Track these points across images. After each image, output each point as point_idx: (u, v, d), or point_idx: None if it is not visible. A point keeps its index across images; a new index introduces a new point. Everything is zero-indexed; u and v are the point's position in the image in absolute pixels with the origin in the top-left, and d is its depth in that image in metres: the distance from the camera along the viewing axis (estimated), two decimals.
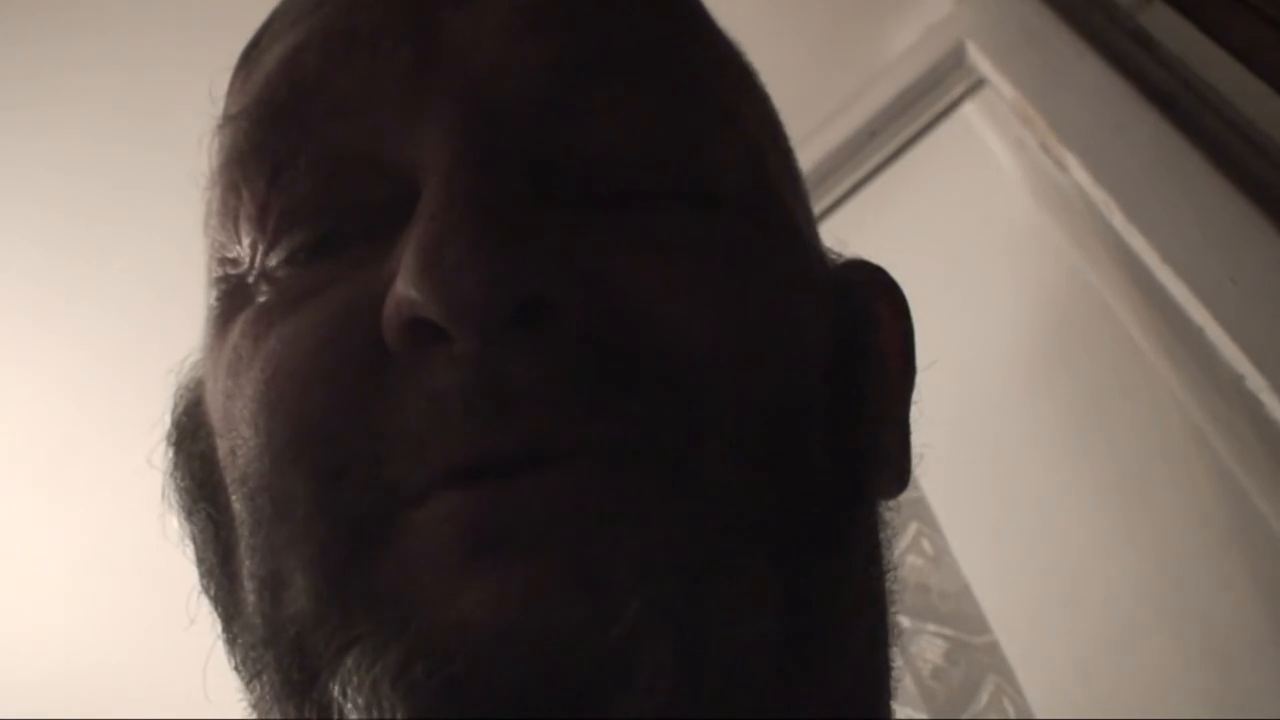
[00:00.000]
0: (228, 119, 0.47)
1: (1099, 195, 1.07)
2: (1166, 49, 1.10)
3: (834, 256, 0.53)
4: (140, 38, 1.37)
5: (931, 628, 1.23)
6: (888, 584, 0.48)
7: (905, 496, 0.51)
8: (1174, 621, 1.14)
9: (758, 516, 0.38)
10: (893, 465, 0.50)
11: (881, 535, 0.49)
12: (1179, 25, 1.09)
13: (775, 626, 0.37)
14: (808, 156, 1.29)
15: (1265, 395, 0.88)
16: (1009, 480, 1.30)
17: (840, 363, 0.45)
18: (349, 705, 0.35)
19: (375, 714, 0.34)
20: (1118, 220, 1.05)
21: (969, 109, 1.37)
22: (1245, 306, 0.92)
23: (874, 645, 0.47)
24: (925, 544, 1.30)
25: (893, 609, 0.48)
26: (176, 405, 0.51)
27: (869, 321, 0.51)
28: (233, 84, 0.50)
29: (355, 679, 0.35)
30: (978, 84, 1.31)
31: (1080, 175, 1.09)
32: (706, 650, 0.35)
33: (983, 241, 1.43)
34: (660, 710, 0.34)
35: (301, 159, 0.44)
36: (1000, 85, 1.23)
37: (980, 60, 1.26)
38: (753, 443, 0.39)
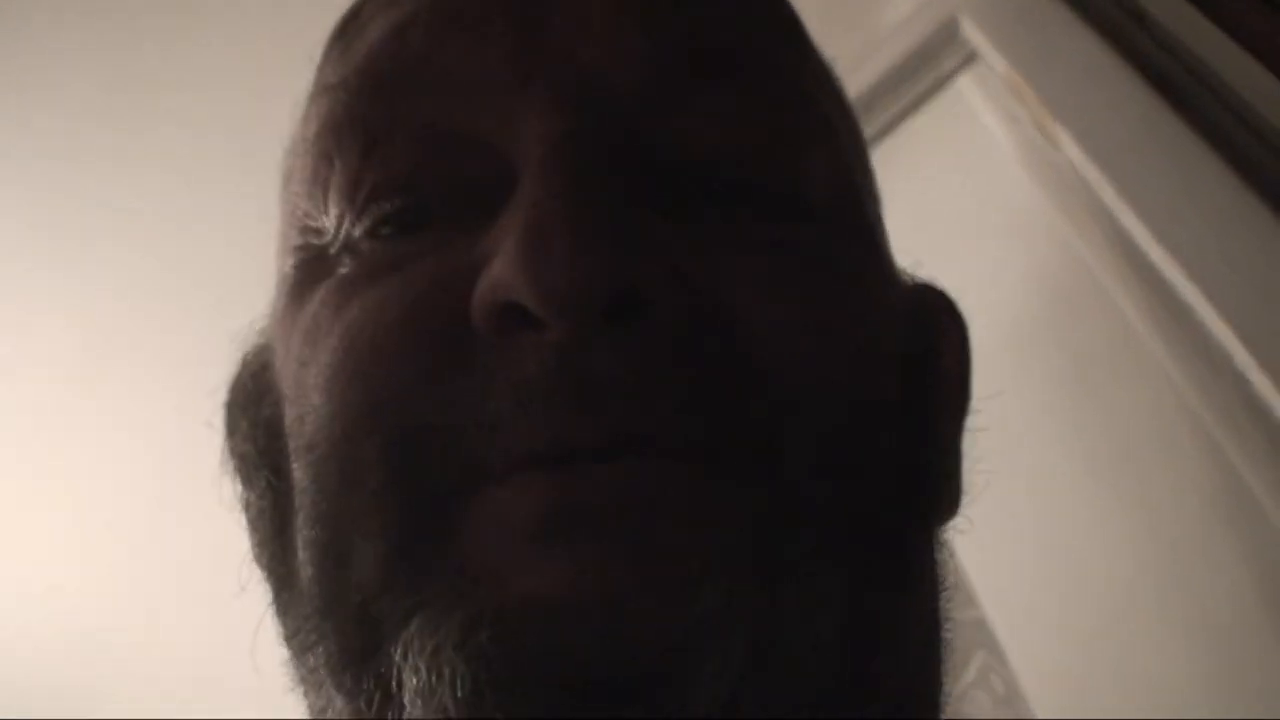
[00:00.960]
0: (325, 88, 0.48)
1: (1091, 172, 1.07)
2: (1163, 27, 1.09)
3: (907, 279, 0.54)
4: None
5: None
6: (943, 603, 0.48)
7: None
8: (1163, 597, 1.14)
9: (831, 523, 0.38)
10: (948, 489, 0.51)
11: (938, 555, 0.49)
12: (1176, 4, 1.09)
13: (839, 630, 0.37)
14: None
15: (1253, 374, 0.88)
16: (997, 456, 1.29)
17: (909, 380, 0.46)
18: (409, 671, 0.35)
19: (435, 679, 0.34)
20: (1109, 197, 1.04)
21: (963, 83, 1.36)
22: (1236, 285, 0.92)
23: (928, 660, 0.47)
24: None
25: (947, 628, 0.48)
26: (242, 370, 0.51)
27: (936, 342, 0.52)
28: (329, 53, 0.50)
29: (417, 643, 0.35)
30: (971, 58, 1.30)
31: (1073, 151, 1.09)
32: (776, 645, 0.35)
33: (975, 216, 1.42)
34: (726, 700, 0.34)
35: (398, 134, 0.44)
36: (993, 60, 1.22)
37: (973, 34, 1.26)
38: (833, 450, 0.39)
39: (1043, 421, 1.31)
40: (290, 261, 0.47)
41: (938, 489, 0.49)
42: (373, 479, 0.38)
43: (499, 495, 0.36)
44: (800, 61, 0.49)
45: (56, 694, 1.86)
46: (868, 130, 1.37)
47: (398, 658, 0.36)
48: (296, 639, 0.43)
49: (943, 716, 0.48)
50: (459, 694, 0.33)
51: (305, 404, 0.42)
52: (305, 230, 0.46)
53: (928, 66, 1.32)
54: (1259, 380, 0.87)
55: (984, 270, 1.41)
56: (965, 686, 1.12)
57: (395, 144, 0.44)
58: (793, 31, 0.51)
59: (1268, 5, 1.01)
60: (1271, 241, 0.89)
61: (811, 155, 0.45)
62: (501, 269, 0.37)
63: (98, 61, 1.40)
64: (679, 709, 0.34)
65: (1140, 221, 1.00)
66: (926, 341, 0.50)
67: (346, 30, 0.50)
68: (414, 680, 0.35)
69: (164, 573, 1.76)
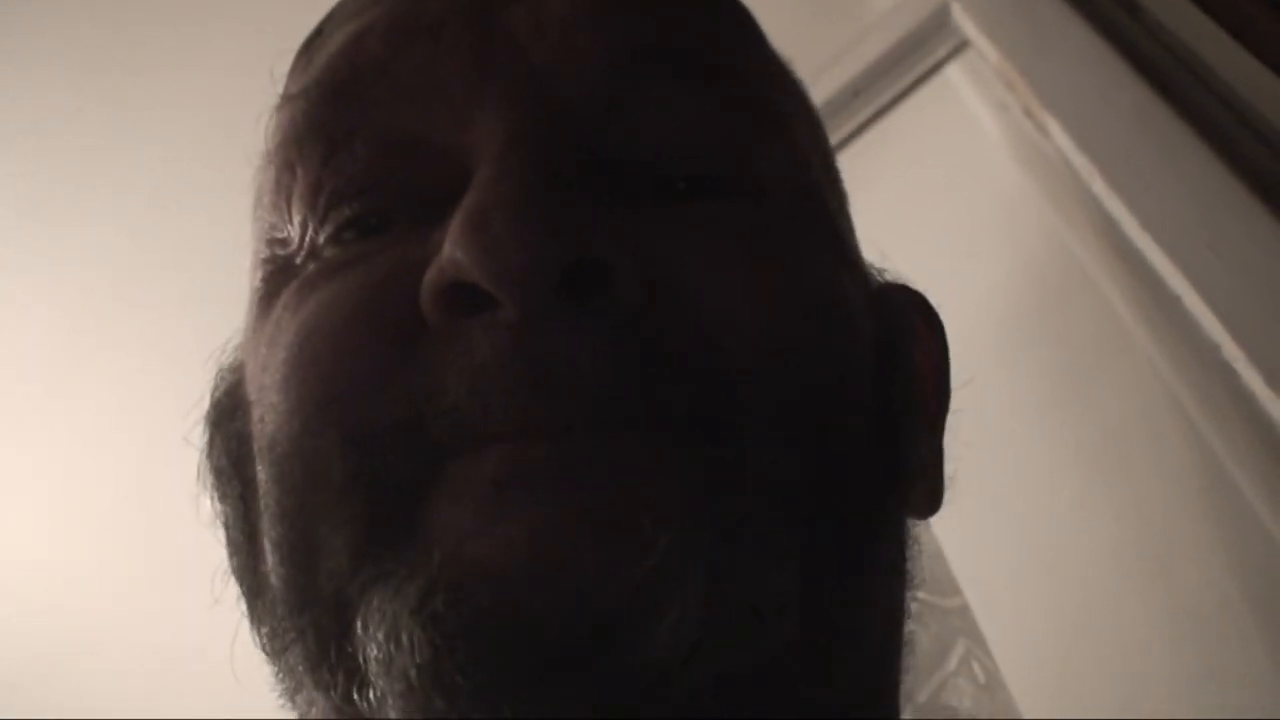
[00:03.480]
0: (287, 98, 0.48)
1: (1080, 161, 1.06)
2: (1154, 17, 1.09)
3: (876, 275, 0.54)
4: None
5: None
6: (907, 599, 0.49)
7: None
8: (1146, 588, 1.14)
9: (791, 491, 0.39)
10: (926, 482, 0.52)
11: (908, 550, 0.49)
12: None
13: (796, 589, 0.37)
14: None
15: (1241, 366, 0.87)
16: (981, 445, 1.29)
17: (878, 370, 0.46)
18: (370, 642, 0.35)
19: (394, 648, 0.34)
20: (1098, 187, 1.04)
21: (952, 71, 1.36)
22: (1223, 276, 0.91)
23: (887, 648, 0.47)
24: None
25: (909, 623, 0.49)
26: (217, 386, 0.52)
27: (907, 335, 0.53)
28: (294, 69, 0.51)
29: (377, 615, 0.35)
30: (961, 46, 1.30)
31: (1062, 140, 1.09)
32: (733, 594, 0.36)
33: (963, 204, 1.42)
34: (684, 648, 0.34)
35: (357, 140, 0.44)
36: (984, 48, 1.22)
37: (964, 21, 1.25)
38: (792, 422, 0.39)
39: (1028, 411, 1.31)
40: (259, 275, 0.48)
41: (907, 478, 0.49)
42: (335, 472, 0.39)
43: (454, 471, 0.36)
44: (753, 57, 0.50)
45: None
46: (856, 118, 1.37)
47: (360, 632, 0.36)
48: (274, 643, 0.43)
49: (900, 713, 0.48)
50: (418, 660, 0.34)
51: (265, 403, 0.43)
52: (271, 242, 0.47)
53: (918, 53, 1.32)
54: (1247, 373, 0.87)
55: (970, 257, 1.41)
56: (947, 675, 1.12)
57: (354, 150, 0.44)
58: (745, 29, 0.52)
59: None
60: (1260, 232, 0.89)
61: (765, 148, 0.46)
62: (449, 248, 0.37)
63: (85, 42, 1.39)
64: (638, 659, 0.34)
65: (1129, 212, 1.00)
66: (896, 333, 0.51)
67: (310, 45, 0.51)
68: (375, 651, 0.35)
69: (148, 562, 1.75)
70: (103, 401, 1.67)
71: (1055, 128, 1.09)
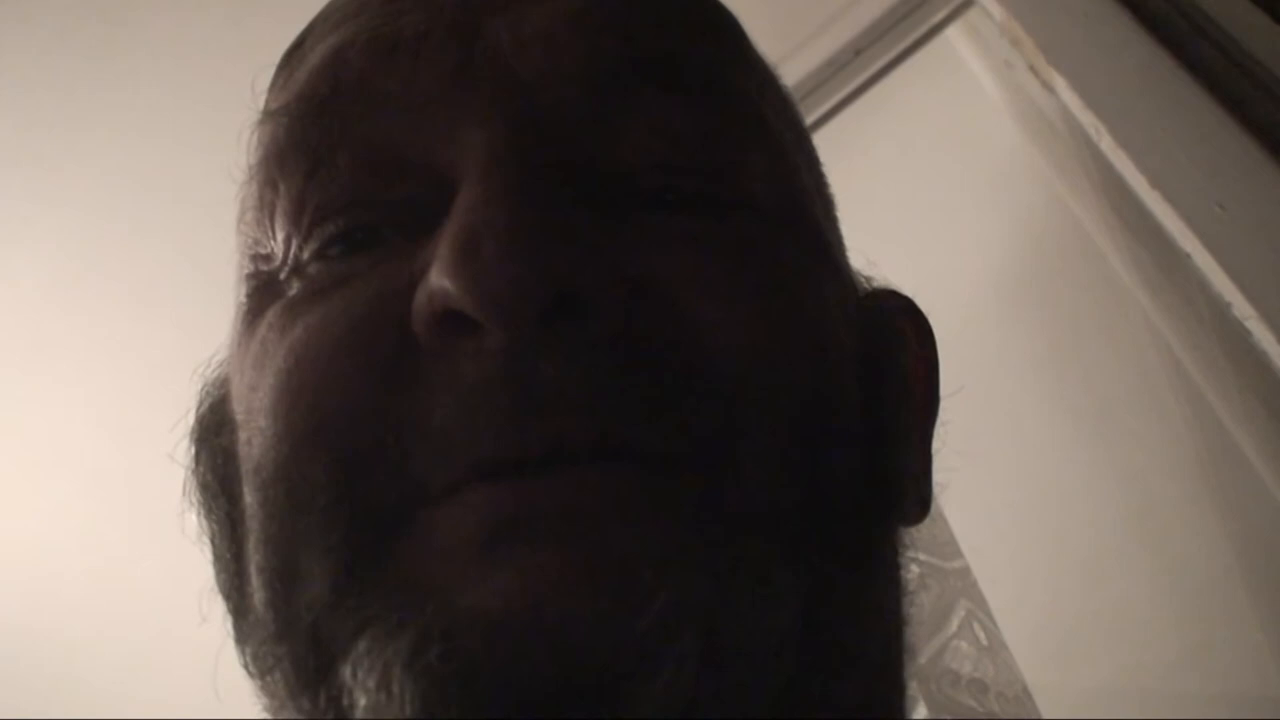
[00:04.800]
0: (268, 115, 0.48)
1: (1087, 118, 1.05)
2: None
3: (863, 282, 0.54)
4: None
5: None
6: (904, 606, 0.48)
7: None
8: (1145, 549, 1.14)
9: (785, 521, 0.38)
10: (916, 489, 0.51)
11: (900, 558, 0.49)
12: None
13: (795, 627, 0.37)
14: (790, 73, 1.27)
15: (1252, 324, 0.87)
16: (982, 407, 1.29)
17: (866, 381, 0.46)
18: (359, 689, 0.35)
19: (385, 698, 0.34)
20: (1105, 144, 1.03)
21: (953, 33, 1.35)
22: (1234, 233, 0.90)
23: (888, 661, 0.47)
24: None
25: (908, 630, 0.48)
26: (202, 402, 0.52)
27: (895, 343, 0.52)
28: (274, 83, 0.51)
29: (367, 662, 0.35)
30: (964, 5, 1.29)
31: (1068, 97, 1.08)
32: (732, 645, 0.35)
33: (964, 166, 1.41)
34: (684, 703, 0.33)
35: (340, 156, 0.44)
36: (989, 4, 1.21)
37: None
38: (785, 448, 0.39)
39: (1027, 374, 1.31)
40: (244, 290, 0.47)
41: (899, 489, 0.49)
42: (319, 499, 0.38)
43: (444, 511, 0.36)
44: (739, 68, 0.49)
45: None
46: (857, 78, 1.36)
47: (347, 677, 0.35)
48: (256, 664, 0.43)
49: (906, 714, 0.48)
50: (409, 712, 0.33)
51: (252, 427, 0.42)
52: (255, 258, 0.47)
53: (921, 10, 1.31)
54: (1258, 331, 0.86)
55: (970, 220, 1.41)
56: (948, 637, 1.12)
57: (337, 165, 0.44)
58: (733, 39, 0.51)
59: None
60: (1270, 188, 0.88)
61: (751, 160, 0.46)
62: (437, 276, 0.37)
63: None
64: (636, 715, 0.33)
65: (1137, 169, 0.99)
66: (884, 342, 0.50)
67: (290, 59, 0.50)
68: (364, 699, 0.34)
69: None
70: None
71: (1061, 84, 1.08)
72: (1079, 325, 1.30)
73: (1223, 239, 0.91)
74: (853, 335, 0.46)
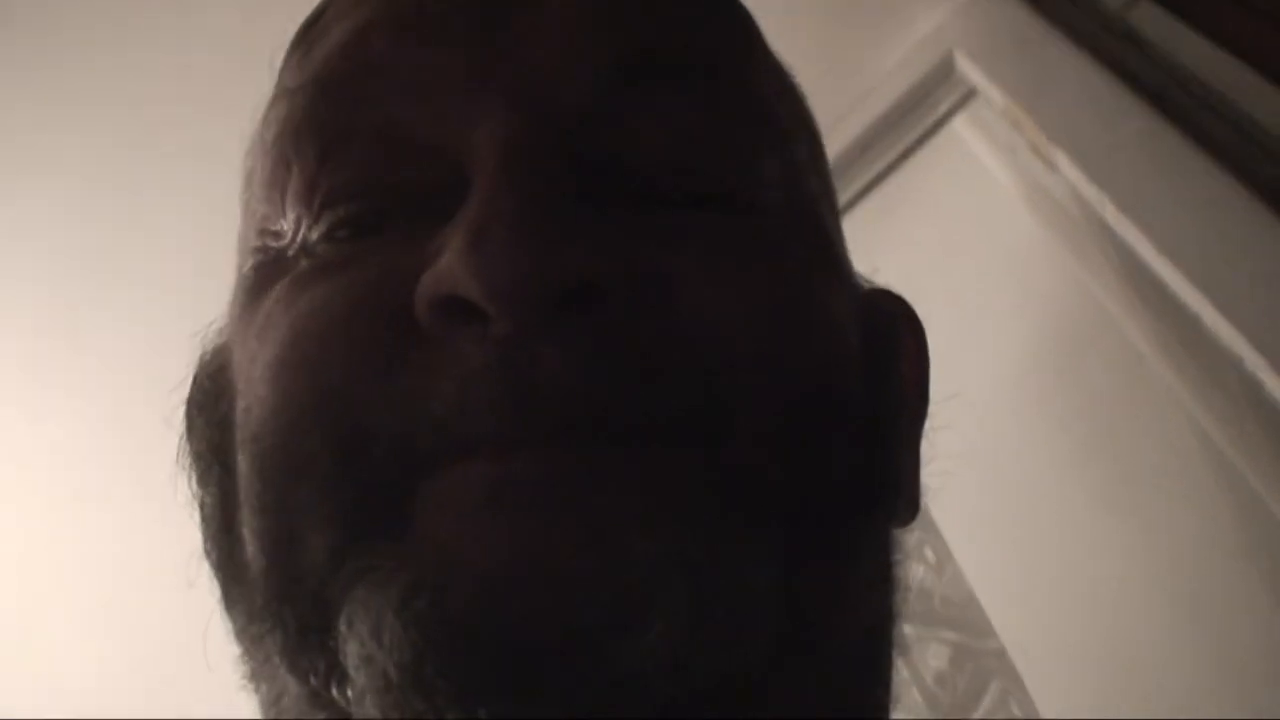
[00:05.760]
0: (284, 92, 0.48)
1: (1091, 191, 1.06)
2: (1155, 46, 1.10)
3: (864, 283, 0.54)
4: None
5: (936, 633, 1.21)
6: (895, 601, 0.48)
7: None
8: (1183, 624, 1.11)
9: (772, 496, 0.38)
10: (905, 491, 0.51)
11: (893, 555, 0.48)
12: (1167, 22, 1.09)
13: (778, 592, 0.37)
14: None
15: (1264, 374, 0.86)
16: (1014, 488, 1.28)
17: (865, 384, 0.46)
18: (352, 638, 0.35)
19: (376, 644, 0.34)
20: (1110, 214, 1.04)
21: (960, 123, 1.36)
22: (1240, 288, 0.90)
23: (874, 653, 0.47)
24: (928, 551, 1.28)
25: (898, 625, 0.48)
26: (200, 369, 0.52)
27: (893, 344, 0.52)
28: (289, 58, 0.51)
29: (360, 611, 0.35)
30: (968, 95, 1.30)
31: (1071, 173, 1.09)
32: (717, 603, 0.35)
33: (980, 254, 1.42)
34: (669, 658, 0.34)
35: (355, 138, 0.44)
36: (990, 92, 1.22)
37: (970, 69, 1.26)
38: (778, 433, 0.39)
39: (1056, 454, 1.30)
40: (249, 262, 0.47)
41: (891, 486, 0.49)
42: (319, 471, 0.38)
43: (443, 481, 0.36)
44: (753, 66, 0.50)
45: None
46: (866, 174, 1.38)
47: (343, 627, 0.36)
48: (249, 631, 0.43)
49: (889, 714, 0.47)
50: (398, 659, 0.34)
51: (252, 396, 0.42)
52: (263, 233, 0.47)
53: (925, 105, 1.32)
54: (1270, 382, 0.86)
55: (990, 312, 1.41)
56: (980, 717, 1.10)
57: (351, 148, 0.44)
58: (747, 37, 0.51)
59: (1254, 14, 1.01)
60: (1272, 241, 0.88)
61: (761, 158, 0.46)
62: (446, 261, 0.37)
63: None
64: (621, 667, 0.33)
65: (1143, 236, 0.99)
66: (884, 343, 0.50)
67: (308, 34, 0.50)
68: (357, 647, 0.35)
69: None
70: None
71: (1063, 160, 1.09)
72: (1106, 405, 1.29)
73: (1230, 295, 0.91)
74: (855, 333, 0.46)
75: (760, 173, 0.45)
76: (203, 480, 0.48)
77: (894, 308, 0.54)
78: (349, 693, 0.36)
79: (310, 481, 0.38)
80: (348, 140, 0.44)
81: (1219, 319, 0.91)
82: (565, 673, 0.33)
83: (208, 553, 0.48)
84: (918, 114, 1.33)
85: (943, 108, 1.32)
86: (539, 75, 0.43)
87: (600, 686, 0.33)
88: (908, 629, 0.49)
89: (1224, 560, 1.11)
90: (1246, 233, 0.92)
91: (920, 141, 1.34)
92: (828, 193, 0.52)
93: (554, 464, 0.36)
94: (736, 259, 0.42)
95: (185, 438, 0.50)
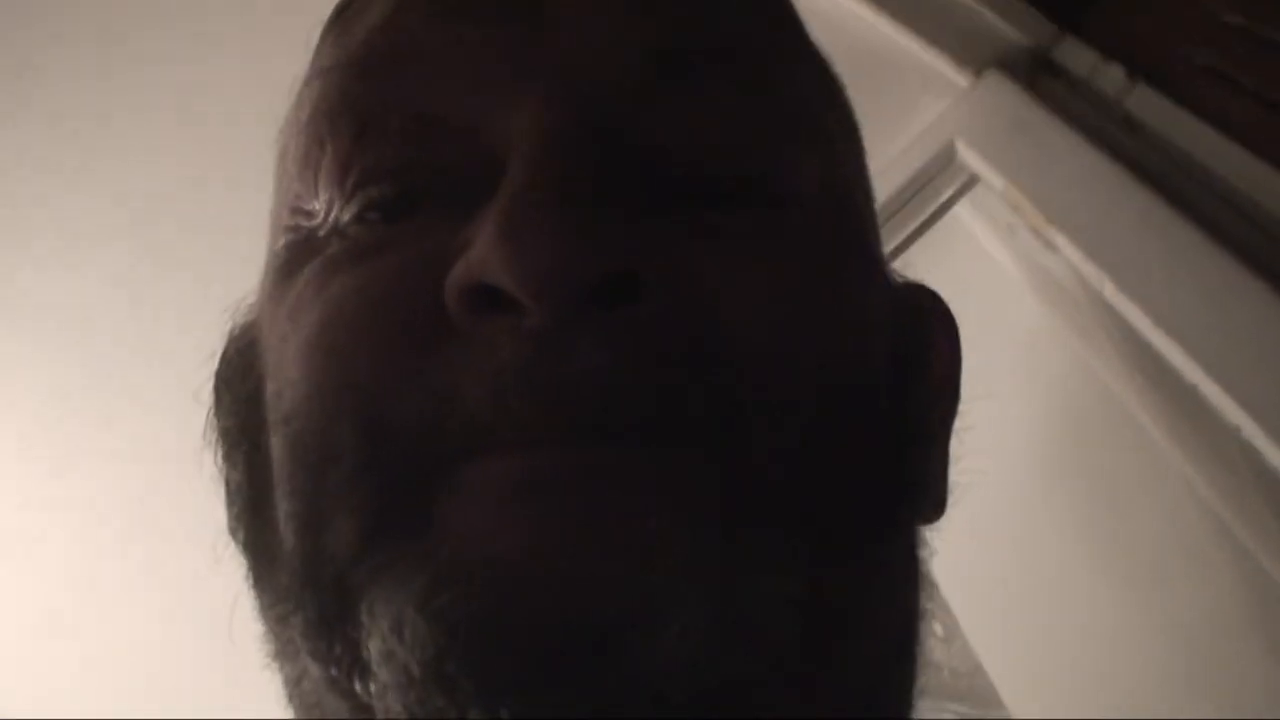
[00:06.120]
0: (320, 71, 0.48)
1: (1090, 270, 1.07)
2: (1152, 129, 1.11)
3: (897, 277, 0.54)
4: None
5: (945, 705, 1.20)
6: (921, 600, 0.48)
7: None
8: (1188, 695, 1.11)
9: (803, 500, 0.38)
10: (934, 488, 0.51)
11: (920, 553, 0.48)
12: (1163, 105, 1.11)
13: (800, 595, 0.37)
14: None
15: (1261, 442, 0.87)
16: (1021, 562, 1.28)
17: (896, 375, 0.46)
18: (375, 634, 0.35)
19: (397, 639, 0.34)
20: (1109, 292, 1.04)
21: (962, 209, 1.38)
22: (1236, 358, 0.91)
23: (900, 651, 0.47)
24: (936, 625, 1.27)
25: (924, 624, 0.48)
26: (229, 345, 0.52)
27: (926, 343, 0.52)
28: (325, 36, 0.51)
29: (381, 606, 0.35)
30: (970, 181, 1.32)
31: (1071, 253, 1.10)
32: (739, 605, 0.35)
33: (985, 343, 1.42)
34: (688, 659, 0.34)
35: (390, 121, 0.44)
36: (990, 178, 1.23)
37: (970, 156, 1.27)
38: (807, 438, 0.39)
39: (1067, 539, 1.29)
40: (281, 241, 0.48)
41: (920, 486, 0.49)
42: (347, 458, 0.38)
43: (471, 474, 0.36)
44: (801, 62, 0.50)
45: None
46: None
47: (364, 619, 0.36)
48: (274, 610, 0.43)
49: (912, 713, 0.47)
50: (420, 656, 0.34)
51: (283, 378, 0.42)
52: (296, 211, 0.47)
53: (927, 193, 1.34)
54: (1268, 449, 0.86)
55: (999, 398, 1.41)
56: None
57: (386, 130, 0.44)
58: (789, 27, 0.51)
59: (1246, 95, 1.03)
60: (1267, 312, 0.89)
61: (802, 156, 0.46)
62: (478, 249, 0.37)
63: None
64: (641, 667, 0.33)
65: (1141, 312, 1.00)
66: (916, 339, 0.50)
67: (344, 13, 0.50)
68: (379, 643, 0.35)
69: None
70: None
71: (1063, 241, 1.10)
72: (1117, 488, 1.28)
73: (1225, 364, 0.91)
74: (887, 331, 0.46)
75: (800, 168, 0.45)
76: (229, 457, 0.49)
77: (927, 303, 0.55)
78: (371, 687, 0.36)
79: (338, 469, 0.39)
80: (383, 121, 0.44)
81: (1215, 389, 0.91)
82: (585, 672, 0.33)
83: (233, 530, 0.48)
84: (920, 201, 1.34)
85: (945, 194, 1.34)
86: (578, 62, 0.43)
87: (619, 686, 0.33)
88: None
89: (1228, 631, 1.10)
90: (1242, 306, 0.93)
91: (923, 228, 1.35)
92: (863, 185, 0.52)
93: (583, 462, 0.36)
94: (773, 257, 0.42)
95: (212, 412, 0.51)
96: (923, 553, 0.49)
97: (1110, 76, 1.17)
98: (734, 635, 0.35)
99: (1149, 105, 1.12)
